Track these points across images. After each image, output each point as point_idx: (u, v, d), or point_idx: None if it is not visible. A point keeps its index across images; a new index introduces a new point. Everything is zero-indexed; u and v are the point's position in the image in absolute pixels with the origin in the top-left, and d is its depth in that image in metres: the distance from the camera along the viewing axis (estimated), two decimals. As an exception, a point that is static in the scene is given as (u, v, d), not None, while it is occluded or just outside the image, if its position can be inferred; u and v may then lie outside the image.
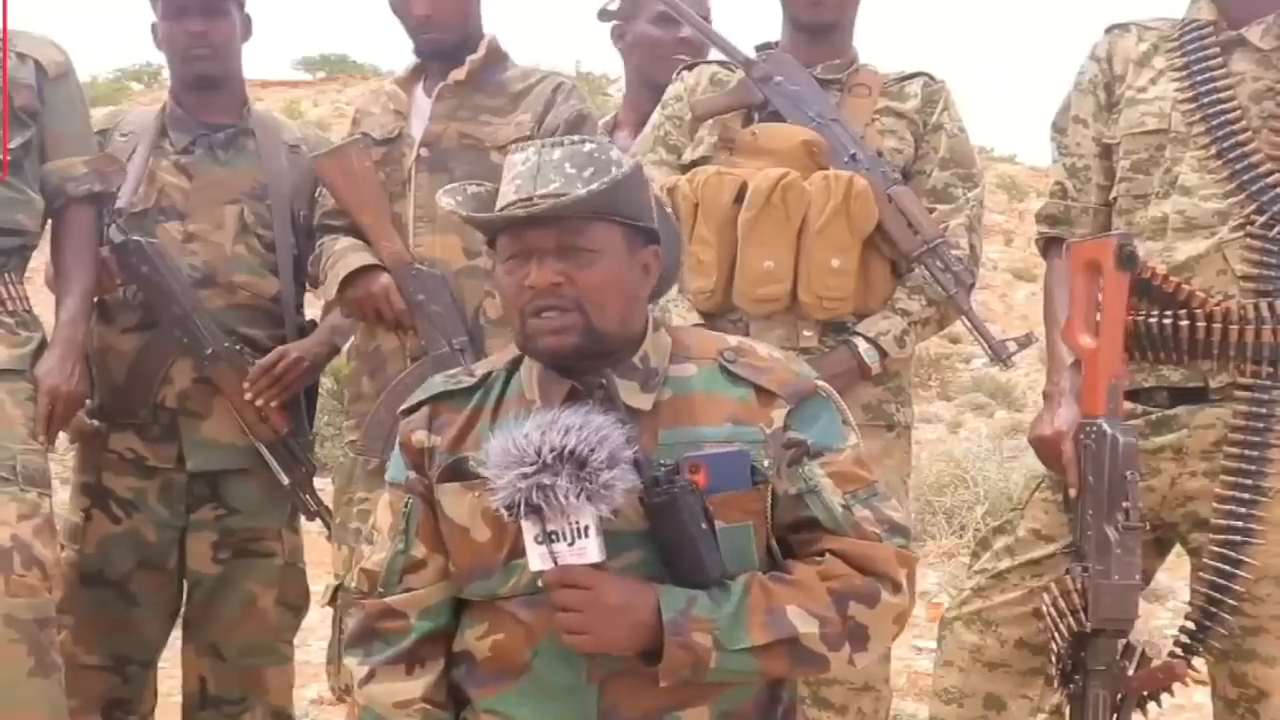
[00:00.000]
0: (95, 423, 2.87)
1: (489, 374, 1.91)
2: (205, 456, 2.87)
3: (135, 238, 2.81)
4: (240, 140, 2.98)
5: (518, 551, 1.77)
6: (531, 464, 1.68)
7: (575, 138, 1.84)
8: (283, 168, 2.97)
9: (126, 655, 2.90)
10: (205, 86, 2.96)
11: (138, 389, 2.84)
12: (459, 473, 1.84)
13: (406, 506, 1.88)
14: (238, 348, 2.86)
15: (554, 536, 1.70)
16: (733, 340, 1.92)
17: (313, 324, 3.02)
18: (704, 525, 1.72)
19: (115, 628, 2.87)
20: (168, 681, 3.11)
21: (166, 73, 3.08)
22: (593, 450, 1.68)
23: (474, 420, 1.87)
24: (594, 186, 1.75)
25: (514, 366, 1.90)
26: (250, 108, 3.04)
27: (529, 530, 1.71)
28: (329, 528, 2.92)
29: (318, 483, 3.02)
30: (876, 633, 1.78)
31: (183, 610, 2.99)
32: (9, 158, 2.62)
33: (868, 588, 1.77)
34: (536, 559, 1.72)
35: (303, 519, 2.99)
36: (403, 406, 1.94)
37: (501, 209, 1.81)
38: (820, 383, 1.90)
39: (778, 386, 1.84)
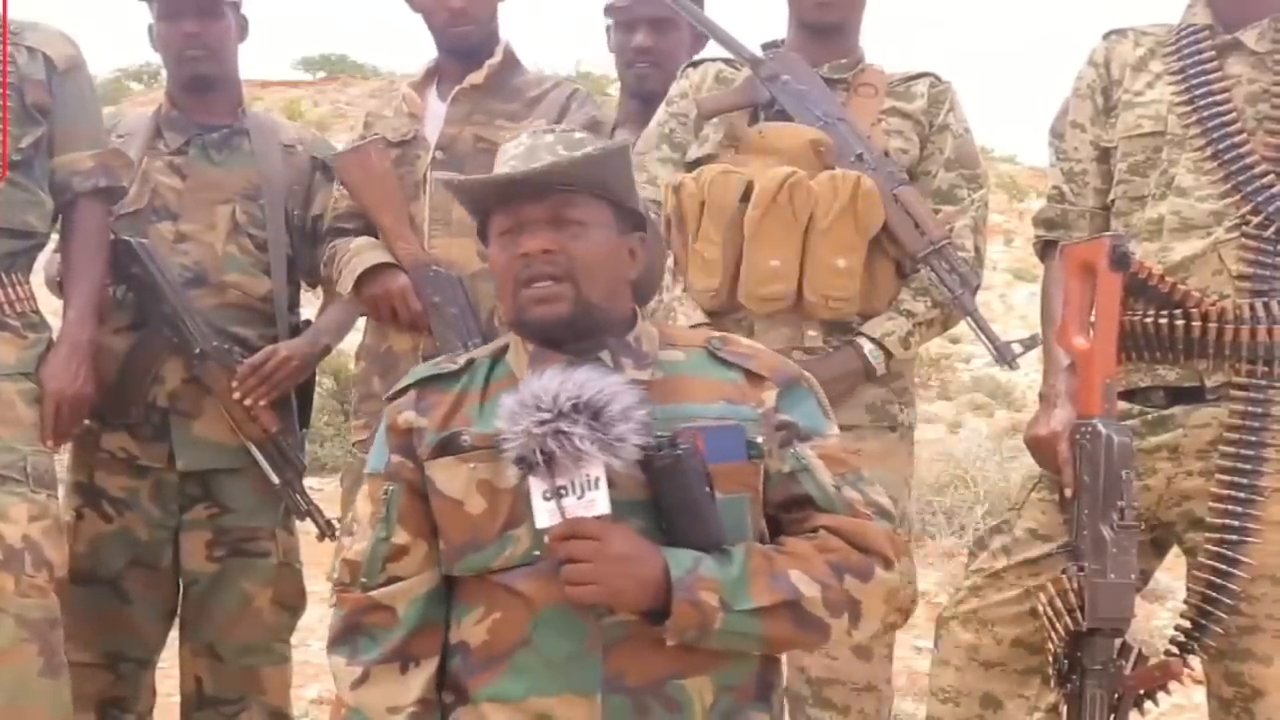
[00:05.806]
0: (87, 421, 2.85)
1: (473, 361, 1.92)
2: (195, 455, 2.87)
3: (125, 237, 2.81)
4: (235, 140, 2.97)
5: (513, 522, 1.78)
6: (548, 412, 1.69)
7: (567, 127, 1.87)
8: (277, 168, 2.97)
9: (120, 653, 2.90)
10: (200, 87, 2.96)
11: (129, 388, 2.84)
12: (451, 446, 1.84)
13: (386, 494, 1.88)
14: (228, 347, 2.86)
15: (562, 491, 1.70)
16: (715, 332, 1.98)
17: (308, 323, 3.02)
18: (706, 490, 1.74)
19: (109, 625, 2.87)
20: (167, 681, 3.11)
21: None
22: (608, 402, 1.69)
23: (461, 402, 1.87)
24: (589, 150, 1.81)
25: (499, 354, 1.91)
26: (246, 108, 3.04)
27: (537, 487, 1.71)
28: (319, 527, 2.92)
29: (319, 482, 3.02)
30: (869, 608, 1.80)
31: (179, 610, 2.98)
32: (20, 157, 2.60)
33: (862, 562, 1.80)
34: (544, 515, 1.71)
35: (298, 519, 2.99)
36: (388, 393, 1.95)
37: None
38: (804, 371, 1.94)
39: (767, 370, 1.88)
